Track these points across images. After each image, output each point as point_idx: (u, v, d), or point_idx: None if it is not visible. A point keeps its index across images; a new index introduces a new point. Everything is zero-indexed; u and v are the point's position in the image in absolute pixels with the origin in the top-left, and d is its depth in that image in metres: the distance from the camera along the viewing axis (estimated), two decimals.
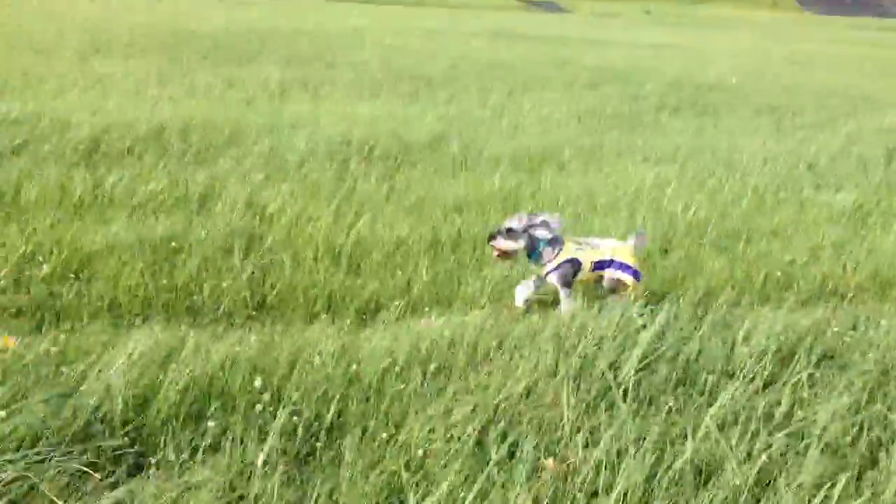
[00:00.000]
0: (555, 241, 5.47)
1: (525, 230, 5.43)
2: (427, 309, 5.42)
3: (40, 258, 5.55)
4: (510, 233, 5.42)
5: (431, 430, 3.62)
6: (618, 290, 5.54)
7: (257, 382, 3.84)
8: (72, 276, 5.40)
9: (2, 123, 9.01)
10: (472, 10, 56.02)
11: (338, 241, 6.33)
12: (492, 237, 5.49)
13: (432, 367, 4.14)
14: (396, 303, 5.39)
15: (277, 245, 6.19)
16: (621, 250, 5.60)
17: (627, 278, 5.54)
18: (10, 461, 3.20)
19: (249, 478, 3.31)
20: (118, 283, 5.33)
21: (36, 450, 3.28)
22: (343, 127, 10.36)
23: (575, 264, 5.49)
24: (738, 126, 13.50)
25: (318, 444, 3.56)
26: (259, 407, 3.70)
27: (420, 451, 3.49)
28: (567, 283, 5.47)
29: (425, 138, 10.21)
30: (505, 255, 5.50)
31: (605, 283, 5.58)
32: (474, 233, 6.74)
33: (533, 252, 5.49)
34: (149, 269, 5.53)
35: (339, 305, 5.41)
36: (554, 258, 5.46)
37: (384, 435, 3.59)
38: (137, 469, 3.37)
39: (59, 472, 3.21)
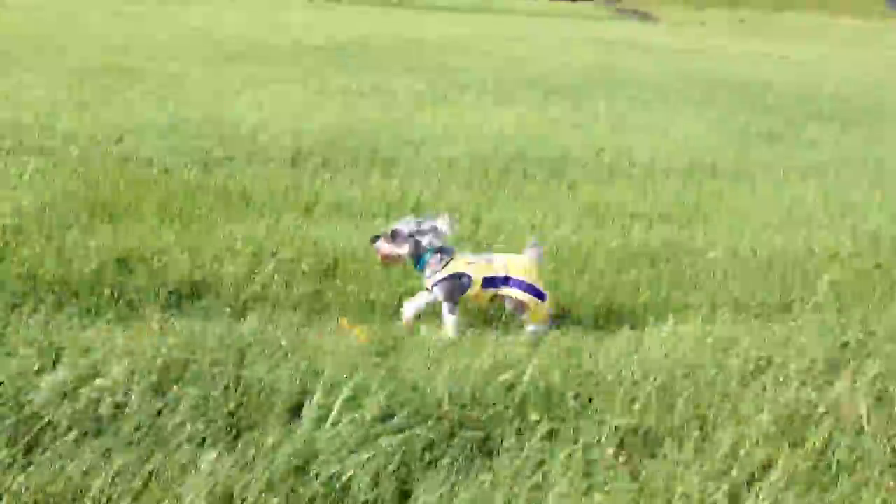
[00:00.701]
0: (443, 251, 5.06)
1: (411, 235, 5.03)
2: None
3: (291, 257, 5.86)
4: (395, 236, 5.06)
5: None
6: (521, 311, 5.13)
7: None
8: (327, 274, 5.73)
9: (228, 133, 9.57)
10: (566, 18, 55.70)
11: None
12: (375, 239, 5.15)
13: None
14: None
15: None
16: (517, 266, 5.12)
17: (526, 297, 5.08)
18: None
19: None
20: (370, 284, 5.60)
21: None
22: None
23: (464, 279, 5.05)
24: None
25: None
26: None
27: None
28: (452, 298, 5.06)
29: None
30: (388, 259, 5.15)
31: (507, 305, 5.17)
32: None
33: (418, 260, 5.09)
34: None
35: None
36: (441, 269, 5.03)
37: None
38: None
39: None
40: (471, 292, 5.10)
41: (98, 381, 3.74)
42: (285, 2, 43.90)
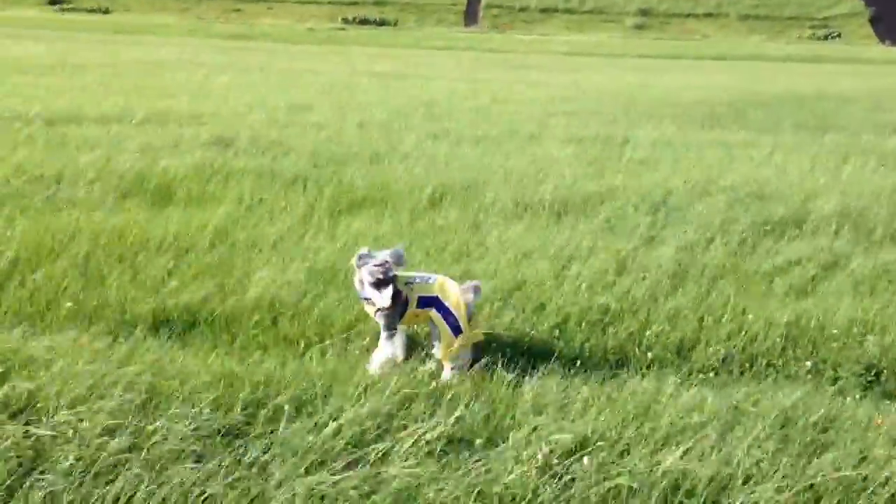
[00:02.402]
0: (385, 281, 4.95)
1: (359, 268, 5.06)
2: None
3: None
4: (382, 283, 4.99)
5: None
6: (434, 338, 5.12)
7: None
8: None
9: None
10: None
11: None
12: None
13: None
14: None
15: None
16: (448, 291, 5.10)
17: (442, 323, 5.03)
18: None
19: None
20: None
21: None
22: None
23: (400, 300, 5.05)
24: None
25: None
26: None
27: None
28: (390, 324, 5.10)
29: None
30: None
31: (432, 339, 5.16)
32: None
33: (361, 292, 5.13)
34: None
35: None
36: (382, 297, 4.98)
37: None
38: None
39: None
40: (409, 311, 5.11)
41: None
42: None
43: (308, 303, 6.28)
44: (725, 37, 72.55)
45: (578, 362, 5.40)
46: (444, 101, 20.22)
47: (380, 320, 5.15)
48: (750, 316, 6.06)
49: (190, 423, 4.12)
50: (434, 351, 5.16)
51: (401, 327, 5.25)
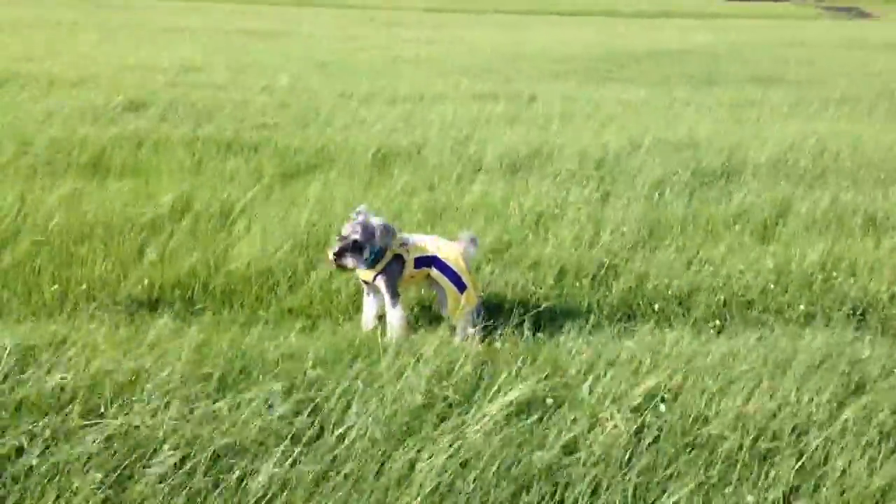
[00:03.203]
0: (377, 243, 4.93)
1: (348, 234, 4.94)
2: None
3: None
4: (342, 239, 4.95)
5: None
6: (442, 303, 5.12)
7: None
8: None
9: None
10: (776, 19, 55.15)
11: None
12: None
13: None
14: None
15: None
16: (447, 250, 5.10)
17: (444, 281, 5.04)
18: None
19: None
20: None
21: None
22: None
23: (398, 262, 5.04)
24: None
25: None
26: None
27: None
28: (393, 287, 5.04)
29: None
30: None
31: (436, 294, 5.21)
32: None
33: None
34: None
35: None
36: (380, 262, 5.00)
37: None
38: None
39: None
40: (406, 272, 5.05)
41: None
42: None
43: (301, 274, 6.15)
44: None
45: (592, 317, 5.55)
46: (337, 61, 19.86)
47: (382, 288, 5.07)
48: (738, 264, 6.37)
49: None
50: (443, 312, 5.14)
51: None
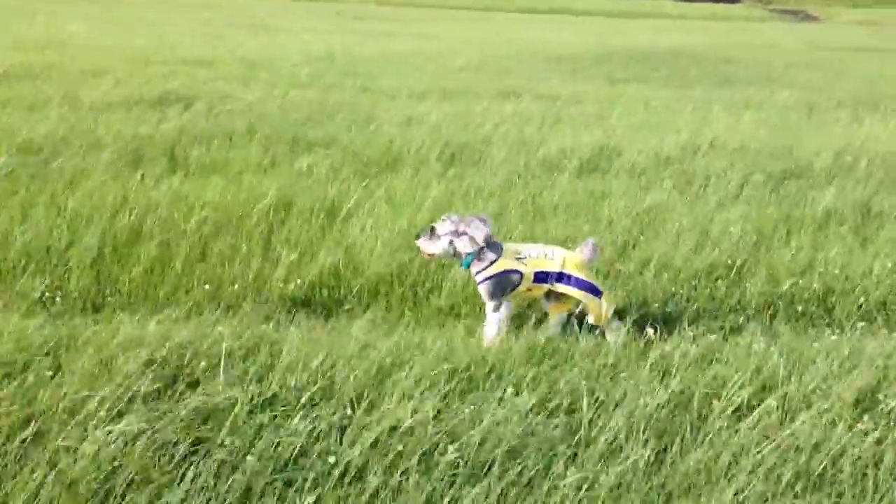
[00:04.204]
0: (486, 251, 4.95)
1: (446, 235, 4.98)
2: None
3: None
4: (433, 234, 5.03)
5: None
6: (585, 312, 5.09)
7: None
8: None
9: None
10: (730, 21, 55.22)
11: None
12: (417, 236, 5.17)
13: None
14: None
15: None
16: (572, 261, 5.01)
17: (580, 294, 4.99)
18: None
19: None
20: None
21: None
22: None
23: (513, 276, 4.95)
24: None
25: None
26: None
27: None
28: (495, 297, 4.96)
29: None
30: (428, 256, 5.16)
31: (543, 305, 5.19)
32: None
33: (463, 261, 5.03)
34: None
35: None
36: (485, 269, 4.95)
37: None
38: None
39: None
40: (523, 287, 4.98)
41: None
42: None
43: (432, 273, 6.13)
44: None
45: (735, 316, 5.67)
46: (338, 56, 19.67)
47: (484, 296, 5.03)
48: (859, 266, 6.53)
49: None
50: (590, 321, 5.08)
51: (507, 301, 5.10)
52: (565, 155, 9.74)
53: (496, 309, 4.99)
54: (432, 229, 5.02)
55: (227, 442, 3.61)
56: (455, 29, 34.04)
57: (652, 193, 8.35)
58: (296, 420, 3.76)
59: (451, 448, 3.63)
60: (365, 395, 4.02)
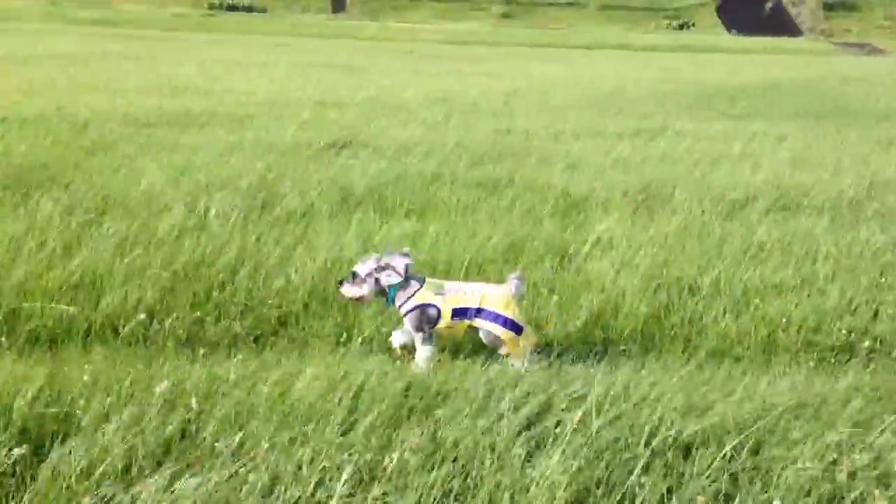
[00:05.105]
0: (411, 281, 5.16)
1: (370, 275, 5.17)
2: None
3: None
4: (355, 278, 5.21)
5: None
6: (498, 346, 5.15)
7: None
8: None
9: None
10: (796, 55, 55.20)
11: None
12: (340, 283, 5.33)
13: None
14: None
15: None
16: (492, 297, 5.13)
17: (499, 330, 5.08)
18: None
19: None
20: None
21: None
22: None
23: (430, 310, 5.12)
24: None
25: None
26: None
27: None
28: (420, 328, 5.14)
29: None
30: (355, 301, 5.31)
31: (483, 338, 5.19)
32: None
33: (387, 297, 5.22)
34: None
35: None
36: (407, 301, 5.14)
37: None
38: None
39: None
40: (442, 324, 5.11)
41: None
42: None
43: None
44: (588, 27, 75.05)
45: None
46: (452, 97, 19.95)
47: (410, 327, 5.19)
48: None
49: None
50: (509, 359, 5.11)
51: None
52: (748, 197, 9.86)
53: (425, 342, 5.13)
54: (354, 274, 5.20)
55: None
56: (526, 66, 34.27)
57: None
58: None
59: None
60: None
